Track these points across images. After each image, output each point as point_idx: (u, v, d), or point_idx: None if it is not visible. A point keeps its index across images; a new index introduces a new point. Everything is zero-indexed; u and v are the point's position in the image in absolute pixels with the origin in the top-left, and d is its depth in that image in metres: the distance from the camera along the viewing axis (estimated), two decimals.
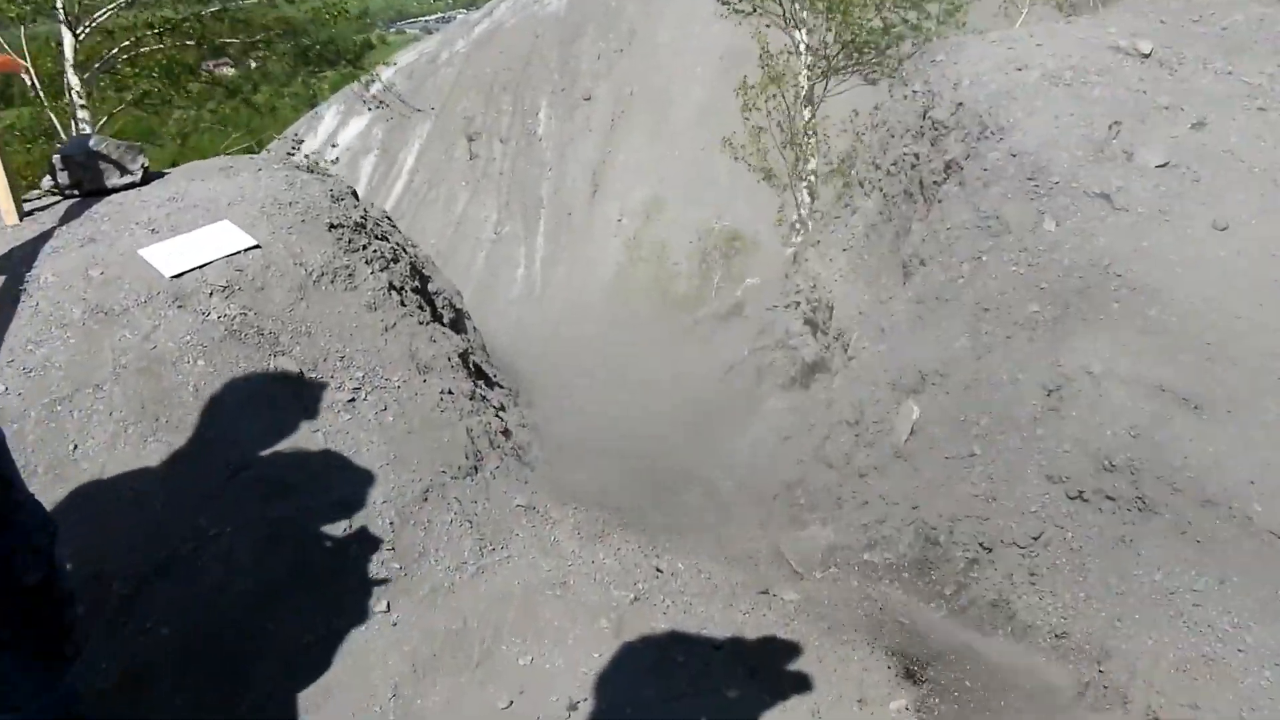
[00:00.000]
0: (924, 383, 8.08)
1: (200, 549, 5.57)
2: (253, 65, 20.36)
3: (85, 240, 7.13)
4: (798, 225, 18.59)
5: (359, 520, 6.01)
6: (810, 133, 18.41)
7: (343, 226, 7.89)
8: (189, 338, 6.45)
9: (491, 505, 6.84)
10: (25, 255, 6.90)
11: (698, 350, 17.61)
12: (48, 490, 5.53)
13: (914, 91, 10.02)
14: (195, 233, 7.20)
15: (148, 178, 8.27)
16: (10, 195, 7.54)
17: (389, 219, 9.78)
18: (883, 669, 6.17)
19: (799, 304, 11.91)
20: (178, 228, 7.29)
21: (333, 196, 8.22)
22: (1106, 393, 6.66)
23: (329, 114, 33.17)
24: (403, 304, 7.88)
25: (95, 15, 14.80)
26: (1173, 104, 8.13)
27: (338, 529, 5.91)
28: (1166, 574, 5.96)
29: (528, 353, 16.95)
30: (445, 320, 9.30)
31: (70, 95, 14.66)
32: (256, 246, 7.17)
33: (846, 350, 9.89)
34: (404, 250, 9.16)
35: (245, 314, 6.77)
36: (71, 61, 14.44)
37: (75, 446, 5.79)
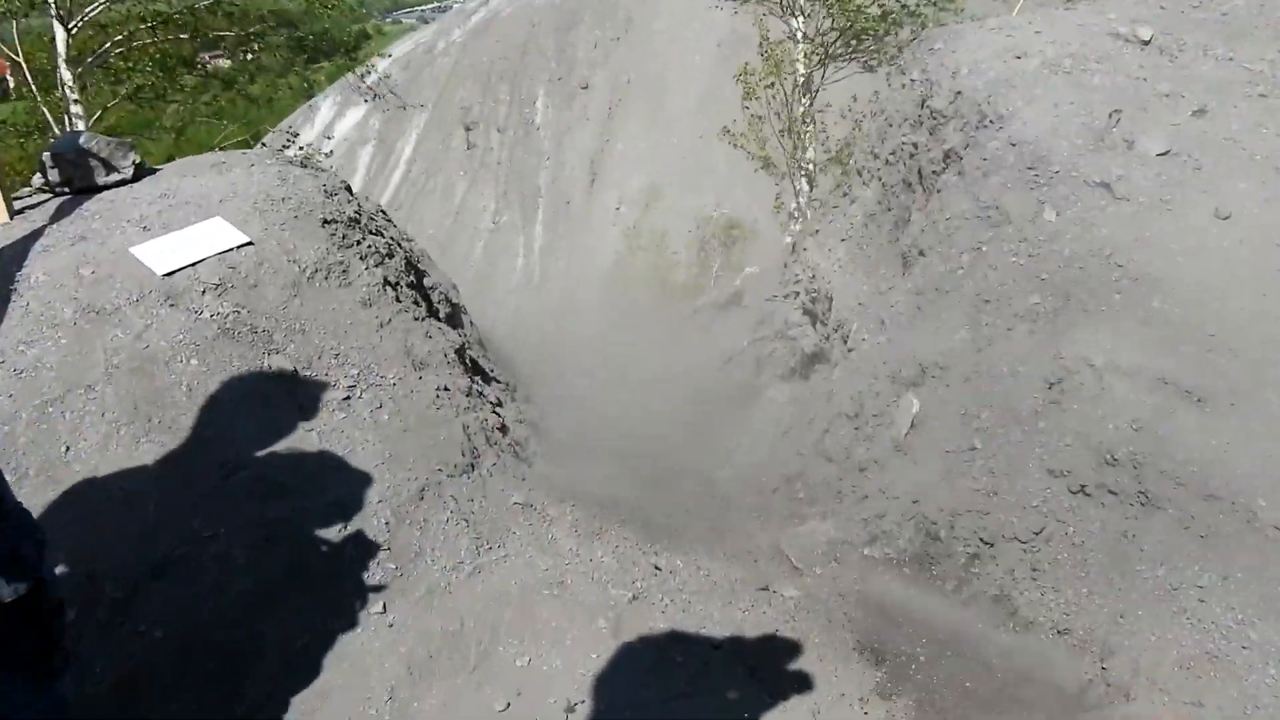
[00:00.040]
0: (924, 375, 8.03)
1: (194, 551, 5.53)
2: (248, 57, 20.26)
3: (76, 238, 7.07)
4: (796, 214, 18.52)
5: (355, 520, 5.96)
6: (808, 120, 18.33)
7: (336, 222, 7.82)
8: (181, 337, 6.40)
9: (488, 503, 6.80)
10: (15, 254, 6.83)
11: (697, 340, 17.57)
12: (40, 492, 5.47)
13: (912, 80, 9.95)
14: (187, 230, 7.13)
15: (139, 174, 8.20)
16: (0, 193, 7.49)
17: (384, 213, 9.72)
18: (883, 667, 6.13)
19: (798, 294, 11.86)
20: (169, 225, 7.23)
21: (326, 191, 8.15)
22: (1108, 385, 6.61)
23: (325, 105, 33.11)
24: (398, 300, 7.82)
25: (87, 9, 14.69)
26: (1173, 91, 8.07)
27: (333, 530, 5.87)
28: (1169, 570, 5.91)
29: (526, 342, 16.94)
30: (441, 315, 9.24)
31: (63, 90, 14.57)
32: (249, 243, 7.11)
33: (846, 341, 9.84)
34: (399, 245, 9.09)
35: (238, 312, 6.71)
36: (64, 56, 14.33)
37: (67, 448, 5.73)
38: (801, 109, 18.36)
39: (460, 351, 8.51)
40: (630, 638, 5.74)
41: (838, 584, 7.25)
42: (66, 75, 14.47)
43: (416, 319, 7.91)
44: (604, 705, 5.24)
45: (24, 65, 15.37)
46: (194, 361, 6.32)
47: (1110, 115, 7.87)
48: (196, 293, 6.68)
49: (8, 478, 5.09)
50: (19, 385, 5.89)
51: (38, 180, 8.09)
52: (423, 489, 6.43)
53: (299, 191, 7.90)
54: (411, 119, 30.41)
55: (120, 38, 15.61)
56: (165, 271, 6.70)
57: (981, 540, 6.94)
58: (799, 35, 18.29)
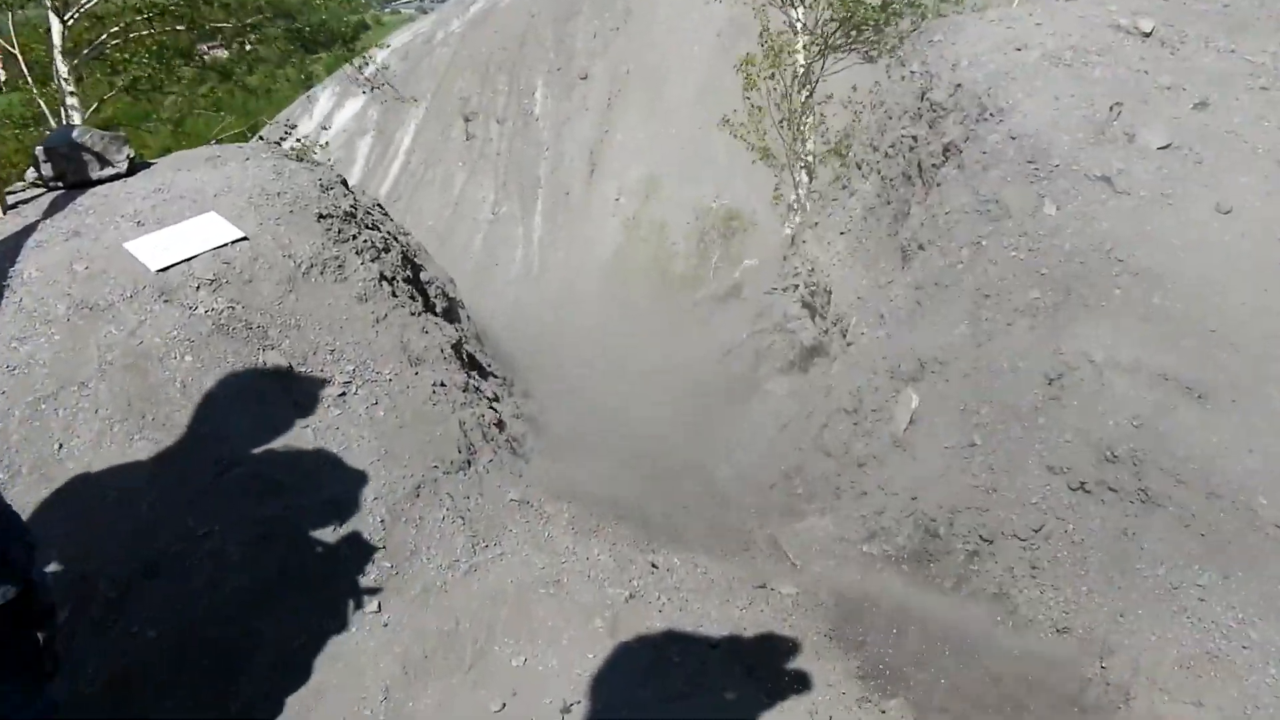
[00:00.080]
0: (923, 370, 7.99)
1: (189, 548, 5.49)
2: (246, 48, 20.18)
3: (70, 234, 7.02)
4: (795, 206, 18.44)
5: (350, 518, 5.93)
6: (808, 112, 18.25)
7: (332, 216, 7.77)
8: (176, 333, 6.35)
9: (484, 500, 6.76)
10: (8, 250, 6.79)
11: (696, 332, 17.51)
12: (33, 490, 5.45)
13: (912, 72, 9.90)
14: (181, 225, 7.08)
15: (133, 169, 8.14)
16: None
17: (380, 207, 9.66)
18: (881, 666, 6.10)
19: (797, 287, 11.81)
20: (164, 220, 7.17)
21: (322, 186, 8.09)
22: (1108, 381, 6.58)
23: (324, 96, 32.98)
24: (394, 295, 7.77)
25: (83, 1, 14.60)
26: (1174, 84, 8.03)
27: (328, 528, 5.83)
28: (1170, 568, 5.89)
29: (525, 333, 16.88)
30: (438, 310, 9.18)
31: (59, 82, 14.48)
32: (244, 238, 7.07)
33: (845, 335, 9.80)
34: (395, 239, 9.03)
35: (233, 308, 6.67)
36: (60, 48, 14.24)
37: (60, 446, 5.70)
38: (801, 100, 18.27)
39: (457, 346, 8.47)
40: (627, 637, 5.70)
41: (836, 581, 7.22)
42: (62, 67, 14.38)
43: (413, 314, 7.86)
44: (600, 706, 5.20)
45: (19, 57, 15.28)
46: (188, 358, 6.28)
47: (1111, 108, 7.82)
48: (191, 288, 6.63)
49: None
50: (11, 382, 5.85)
51: (31, 175, 8.04)
52: (418, 486, 6.39)
53: (294, 186, 7.84)
54: (410, 110, 30.31)
55: (116, 29, 15.51)
56: (159, 267, 6.65)
57: (981, 537, 6.91)
58: (798, 26, 18.20)
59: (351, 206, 8.30)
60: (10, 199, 7.69)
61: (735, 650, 5.78)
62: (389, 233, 8.98)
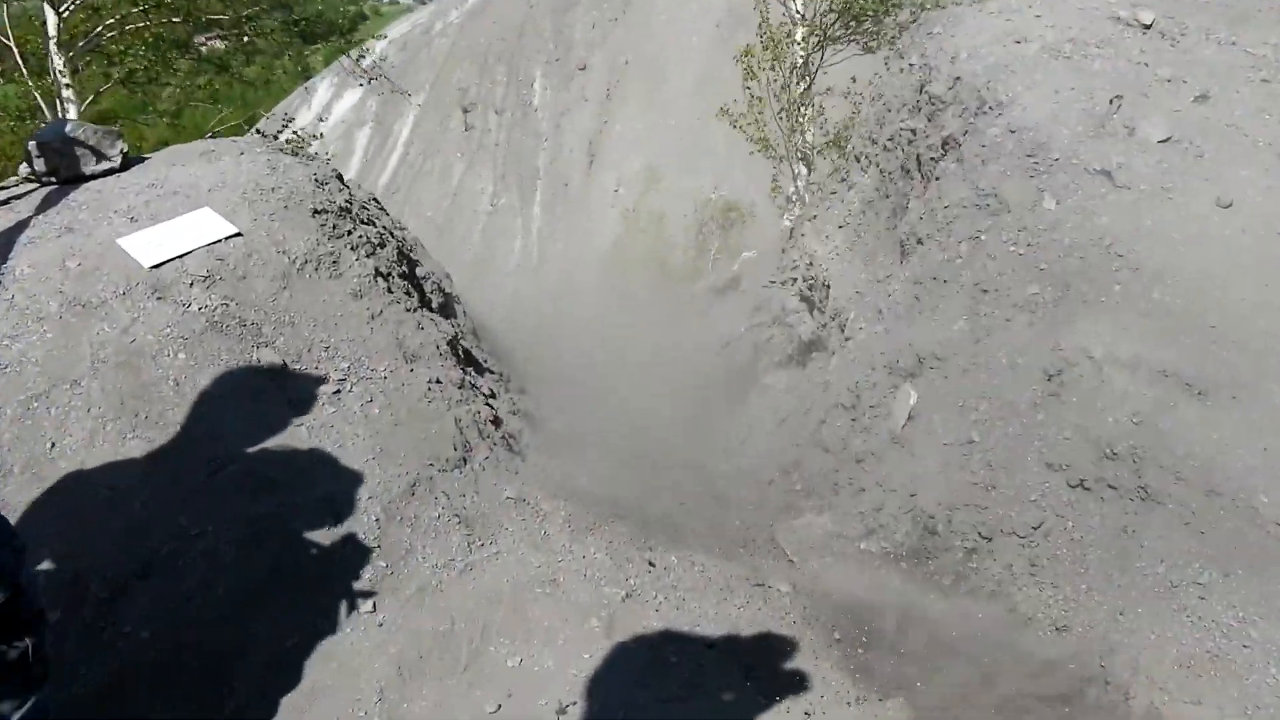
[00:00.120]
0: (921, 366, 7.95)
1: (182, 548, 5.45)
2: (244, 39, 20.09)
3: (62, 230, 6.97)
4: (794, 197, 18.39)
5: (344, 517, 5.89)
6: (807, 103, 18.19)
7: (327, 212, 7.72)
8: (169, 330, 6.31)
9: (480, 499, 6.72)
10: (1, 246, 6.74)
11: (695, 326, 17.52)
12: (25, 490, 5.41)
13: (910, 65, 9.85)
14: (175, 221, 7.04)
15: (127, 163, 8.09)
16: None
17: (376, 201, 9.61)
18: (878, 665, 6.08)
19: (795, 280, 11.76)
20: (157, 216, 7.13)
21: (317, 181, 8.05)
22: (1108, 378, 6.54)
23: (322, 87, 32.98)
24: (389, 291, 7.73)
25: None
26: (1175, 76, 7.98)
27: (322, 527, 5.79)
28: (1170, 566, 5.86)
29: (524, 324, 16.88)
30: (433, 305, 9.14)
31: (54, 74, 14.42)
32: (238, 234, 7.02)
33: (843, 330, 9.76)
34: (391, 234, 8.98)
35: (227, 305, 6.62)
36: (55, 39, 14.17)
37: (53, 445, 5.66)
38: (799, 91, 18.21)
39: (453, 343, 8.42)
40: (624, 637, 5.65)
41: (834, 579, 7.20)
42: (57, 60, 14.32)
43: (408, 310, 7.82)
44: (597, 707, 5.16)
45: (14, 49, 15.22)
46: (181, 355, 6.24)
47: (1111, 101, 7.78)
48: (184, 285, 6.59)
49: None
50: (3, 380, 5.82)
51: (24, 169, 7.98)
52: (413, 484, 6.35)
53: (289, 181, 7.80)
54: (409, 100, 30.26)
55: (112, 21, 15.44)
56: (152, 264, 6.61)
57: (979, 535, 6.88)
58: (797, 17, 18.13)
59: (346, 201, 8.26)
60: (2, 194, 7.64)
61: (732, 650, 5.74)
62: (384, 227, 8.93)
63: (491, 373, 9.80)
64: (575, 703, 5.20)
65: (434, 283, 9.69)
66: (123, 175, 7.94)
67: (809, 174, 18.16)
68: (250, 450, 6.01)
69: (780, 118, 18.24)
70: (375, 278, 7.60)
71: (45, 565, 5.16)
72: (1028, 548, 6.58)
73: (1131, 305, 6.71)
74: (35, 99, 15.65)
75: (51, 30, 14.16)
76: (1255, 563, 5.56)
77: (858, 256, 10.23)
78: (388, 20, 43.27)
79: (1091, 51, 8.37)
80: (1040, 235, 7.40)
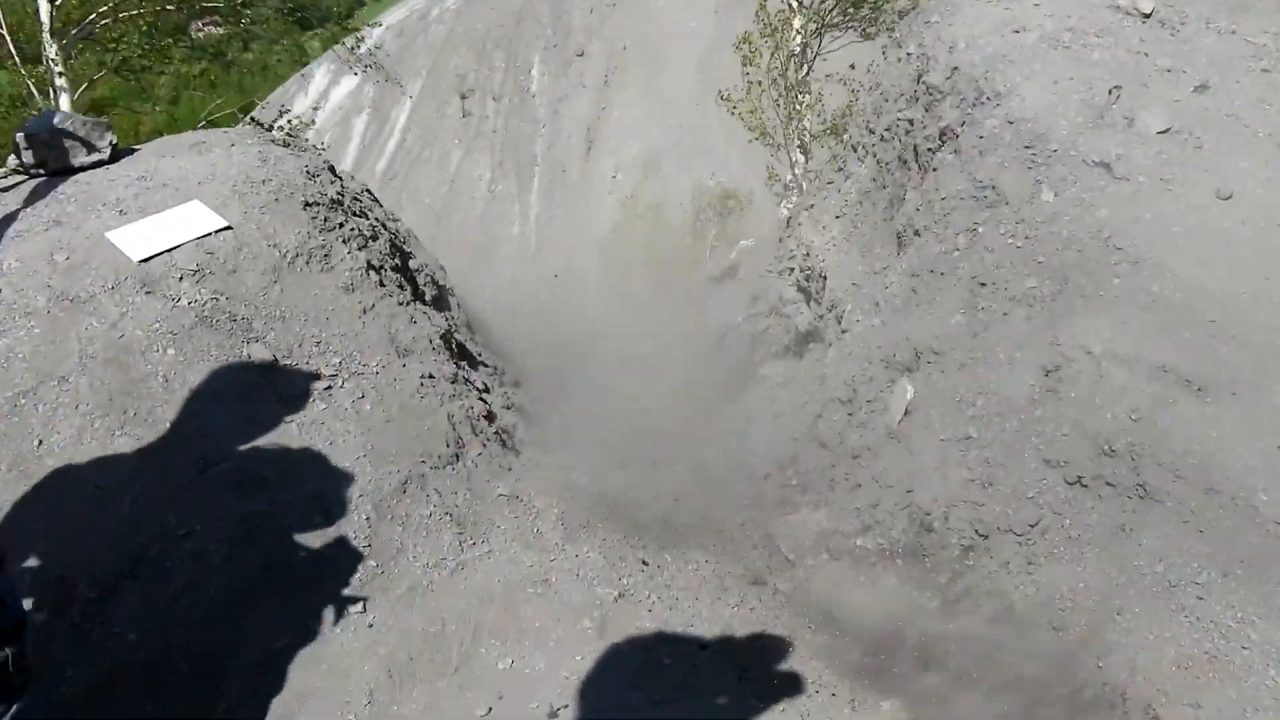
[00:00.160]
0: (918, 360, 7.90)
1: (171, 548, 5.41)
2: (241, 24, 20.02)
3: (51, 223, 6.90)
4: (791, 185, 18.33)
5: (335, 516, 5.85)
6: (804, 90, 18.12)
7: (318, 204, 7.64)
8: (158, 325, 6.25)
9: (473, 496, 6.67)
10: None
11: (693, 315, 17.45)
12: (11, 488, 5.36)
13: (908, 54, 9.74)
14: (164, 214, 6.97)
15: (116, 155, 8.01)
16: None
17: (369, 193, 9.54)
18: (875, 665, 6.04)
19: (792, 270, 11.70)
20: (147, 209, 7.06)
21: (308, 173, 7.97)
22: (1106, 373, 6.49)
23: (319, 72, 32.81)
24: (381, 284, 7.66)
25: None
26: (1174, 66, 7.90)
27: (313, 526, 5.75)
28: (1168, 566, 5.81)
29: (522, 311, 16.85)
30: (427, 298, 9.06)
31: (47, 63, 14.35)
32: (228, 228, 6.95)
33: (840, 323, 9.70)
34: (384, 226, 8.91)
35: (216, 299, 6.57)
36: (48, 28, 14.11)
37: (40, 442, 5.61)
38: (798, 78, 18.15)
39: (446, 336, 8.36)
40: (616, 638, 5.62)
41: (829, 576, 7.16)
42: (51, 47, 14.25)
43: (401, 304, 7.76)
44: (589, 710, 5.12)
45: (8, 37, 15.15)
46: (171, 351, 6.18)
47: (1110, 92, 7.70)
48: (173, 279, 6.53)
49: None
50: None
51: (12, 161, 7.91)
52: (405, 482, 6.30)
53: (280, 173, 7.72)
54: (406, 87, 30.15)
55: (106, 8, 15.38)
56: (141, 257, 6.54)
57: (976, 532, 6.84)
58: (795, 3, 18.05)
59: (338, 193, 8.18)
60: None
61: (727, 651, 5.71)
62: (377, 219, 8.87)
63: (485, 366, 9.75)
64: (566, 705, 5.16)
65: (427, 275, 9.62)
66: (112, 167, 7.86)
67: (806, 162, 18.11)
68: (241, 448, 5.97)
69: (778, 104, 18.18)
70: (367, 271, 7.53)
71: (32, 563, 5.13)
72: (1025, 545, 6.53)
73: (1130, 299, 6.65)
74: (29, 87, 15.58)
75: (45, 18, 14.09)
76: (1255, 562, 5.52)
77: (854, 247, 10.16)
78: (385, 6, 43.13)
79: (1090, 41, 8.28)
80: (1038, 228, 7.34)
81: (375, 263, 7.82)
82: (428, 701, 5.19)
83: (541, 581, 6.02)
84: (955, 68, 8.72)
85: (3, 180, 7.75)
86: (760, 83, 18.10)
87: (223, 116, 17.91)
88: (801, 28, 17.83)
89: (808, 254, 11.18)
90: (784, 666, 5.67)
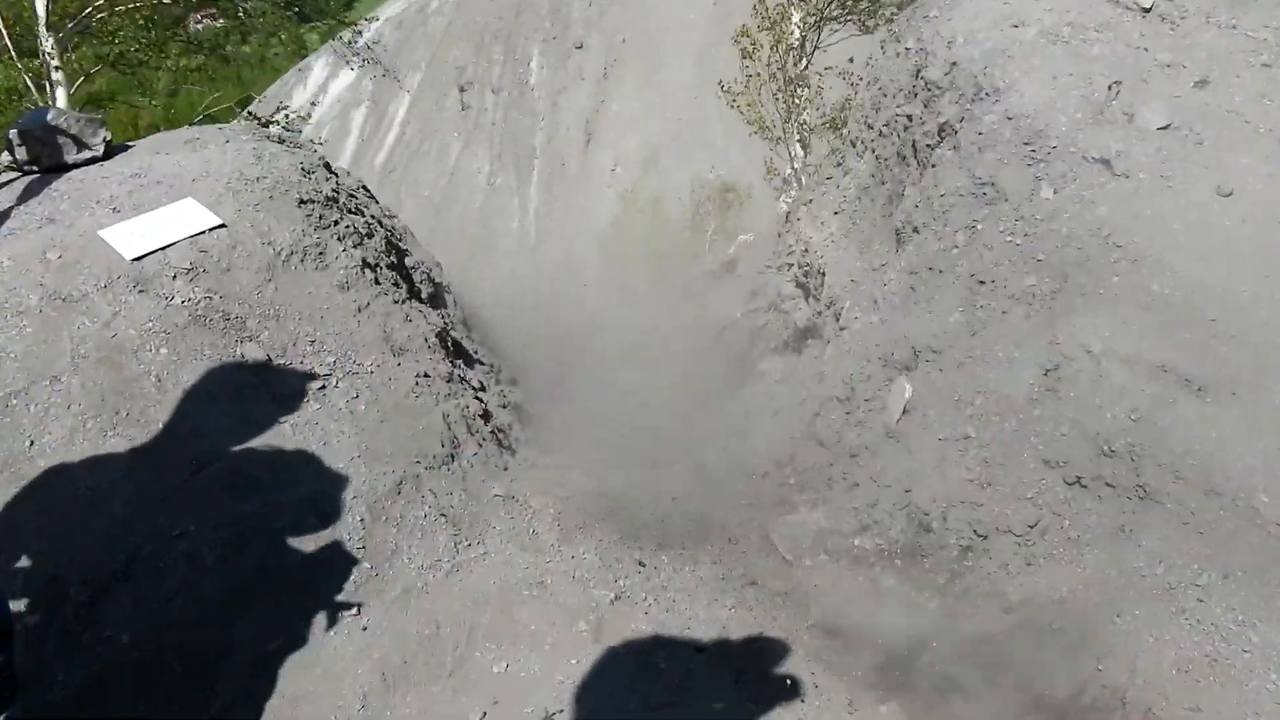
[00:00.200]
0: (917, 359, 7.86)
1: (163, 549, 5.38)
2: (239, 16, 19.95)
3: (43, 221, 6.85)
4: (790, 179, 18.31)
5: (329, 517, 5.81)
6: (803, 84, 18.09)
7: (313, 201, 7.59)
8: (151, 324, 6.21)
9: (468, 497, 6.64)
10: None
11: (691, 309, 17.40)
12: (3, 489, 5.33)
13: (906, 49, 9.68)
14: (158, 212, 6.91)
15: (110, 152, 7.96)
16: None
17: (365, 189, 9.48)
18: (873, 667, 6.01)
19: (790, 266, 11.66)
20: (140, 206, 7.01)
21: (303, 169, 7.91)
22: (1106, 373, 6.45)
23: (318, 66, 32.80)
24: (377, 282, 7.61)
25: None
26: (1174, 61, 7.84)
27: (307, 527, 5.71)
28: (1168, 567, 5.78)
29: (521, 305, 16.80)
30: (423, 296, 9.01)
31: (43, 56, 14.29)
32: (222, 226, 6.90)
33: (838, 319, 9.66)
34: (379, 223, 8.86)
35: (210, 298, 6.52)
36: (44, 21, 14.04)
37: (32, 442, 5.58)
38: (797, 71, 18.12)
39: (442, 335, 8.32)
40: (612, 641, 5.59)
41: (827, 577, 7.13)
42: (47, 41, 14.19)
43: (396, 302, 7.71)
44: (584, 714, 5.09)
45: (3, 31, 15.09)
46: (164, 350, 6.14)
47: (1110, 87, 7.65)
48: (167, 278, 6.48)
49: None
50: None
51: (5, 158, 7.86)
52: (400, 482, 6.26)
53: (274, 170, 7.66)
54: (405, 80, 30.12)
55: (102, 1, 15.31)
56: (134, 256, 6.49)
57: (975, 532, 6.81)
58: None
59: (334, 190, 8.13)
60: None
61: (723, 653, 5.68)
62: (373, 216, 8.81)
63: (482, 364, 9.70)
64: (562, 710, 5.13)
65: (423, 272, 9.57)
66: (105, 164, 7.81)
67: (805, 156, 18.08)
68: (234, 448, 5.93)
69: (777, 98, 18.15)
70: (362, 269, 7.48)
71: (23, 564, 5.10)
72: (1024, 546, 6.50)
73: (1130, 297, 6.60)
74: (25, 81, 15.53)
75: (41, 10, 14.03)
76: (1255, 564, 5.48)
77: (853, 244, 10.11)
78: None
79: (1090, 36, 8.22)
80: (1038, 225, 7.29)
81: (370, 260, 7.77)
82: (422, 705, 5.16)
83: (537, 584, 5.99)
84: (954, 63, 8.66)
85: None
86: (760, 75, 18.07)
87: (220, 110, 17.87)
88: (800, 21, 17.79)
89: (806, 250, 11.14)
90: (781, 669, 5.64)
